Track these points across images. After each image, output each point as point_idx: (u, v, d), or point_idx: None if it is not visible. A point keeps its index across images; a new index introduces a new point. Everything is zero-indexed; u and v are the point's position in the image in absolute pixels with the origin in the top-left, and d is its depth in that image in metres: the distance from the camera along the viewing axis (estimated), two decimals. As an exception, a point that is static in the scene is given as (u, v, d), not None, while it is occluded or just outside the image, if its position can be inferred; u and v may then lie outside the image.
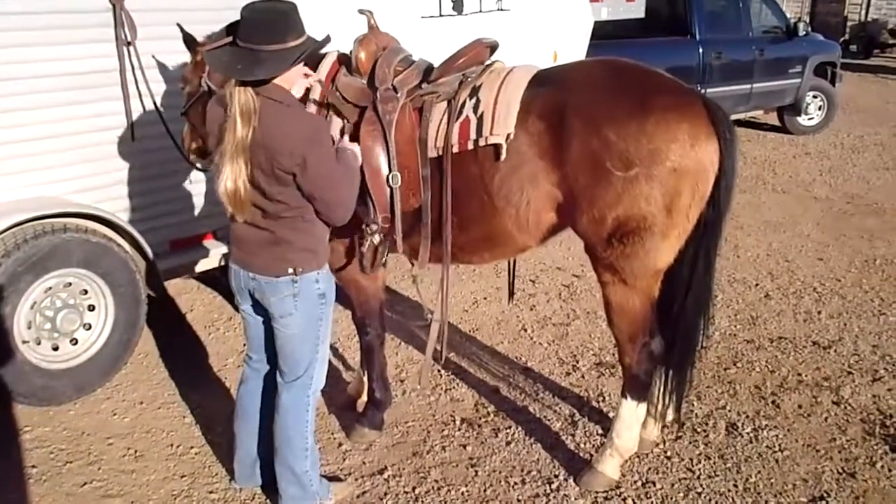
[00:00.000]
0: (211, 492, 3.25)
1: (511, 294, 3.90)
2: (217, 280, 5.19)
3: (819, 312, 4.91)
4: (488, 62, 3.11)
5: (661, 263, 2.91)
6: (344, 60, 3.19)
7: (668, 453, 3.45)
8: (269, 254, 2.67)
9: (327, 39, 2.56)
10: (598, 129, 2.75)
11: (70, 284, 3.81)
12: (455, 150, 2.93)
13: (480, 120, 2.90)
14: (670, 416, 3.38)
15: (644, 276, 2.91)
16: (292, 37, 2.44)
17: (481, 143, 2.90)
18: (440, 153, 2.96)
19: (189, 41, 3.64)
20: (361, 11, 3.17)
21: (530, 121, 2.85)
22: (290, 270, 2.66)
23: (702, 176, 2.77)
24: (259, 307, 2.82)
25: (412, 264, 3.20)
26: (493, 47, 3.14)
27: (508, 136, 2.85)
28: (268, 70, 2.42)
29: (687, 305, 3.02)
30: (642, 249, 2.83)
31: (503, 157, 2.87)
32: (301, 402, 2.88)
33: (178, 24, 3.59)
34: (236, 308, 3.03)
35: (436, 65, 3.09)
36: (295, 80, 2.59)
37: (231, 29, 2.53)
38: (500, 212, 2.96)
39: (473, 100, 2.95)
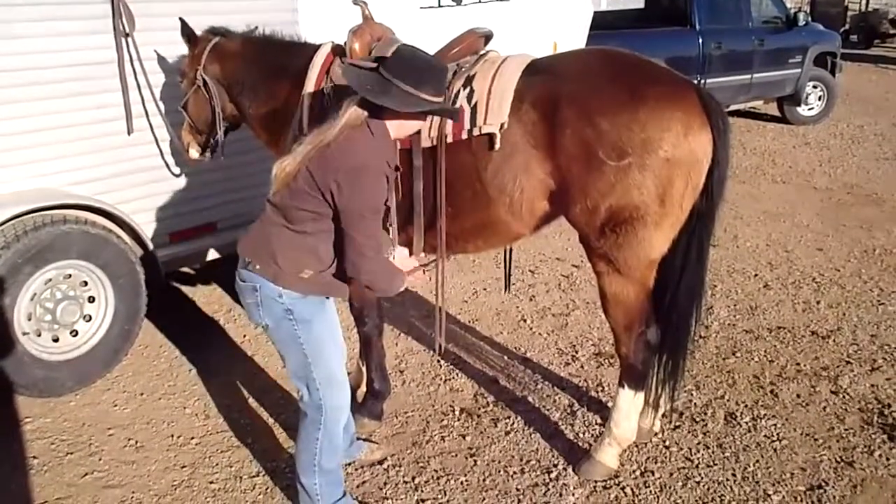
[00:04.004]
0: (211, 482, 3.27)
1: (507, 285, 3.91)
2: (218, 271, 5.21)
3: (818, 302, 4.91)
4: (482, 52, 3.11)
5: (655, 253, 2.90)
6: (339, 51, 3.19)
7: (667, 443, 3.47)
8: (249, 244, 2.61)
9: (457, 111, 2.65)
10: (591, 119, 2.74)
11: (70, 276, 3.83)
12: (449, 139, 2.93)
13: (474, 110, 2.89)
14: (666, 405, 3.38)
15: (638, 265, 2.90)
16: (430, 92, 2.42)
17: (475, 132, 2.90)
18: (434, 143, 2.95)
19: (188, 34, 3.65)
20: (356, 2, 3.16)
21: (524, 110, 2.85)
22: (247, 260, 2.57)
23: (695, 166, 2.77)
24: None
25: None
26: (487, 37, 3.13)
27: (502, 125, 2.85)
28: (392, 103, 2.38)
29: (679, 294, 3.02)
30: (635, 239, 2.82)
31: (497, 146, 2.87)
32: (311, 419, 2.78)
33: (181, 18, 3.59)
34: (236, 300, 3.02)
35: (430, 55, 3.09)
36: (402, 133, 2.58)
37: (379, 59, 2.49)
38: (493, 200, 2.96)
39: (467, 90, 2.95)
